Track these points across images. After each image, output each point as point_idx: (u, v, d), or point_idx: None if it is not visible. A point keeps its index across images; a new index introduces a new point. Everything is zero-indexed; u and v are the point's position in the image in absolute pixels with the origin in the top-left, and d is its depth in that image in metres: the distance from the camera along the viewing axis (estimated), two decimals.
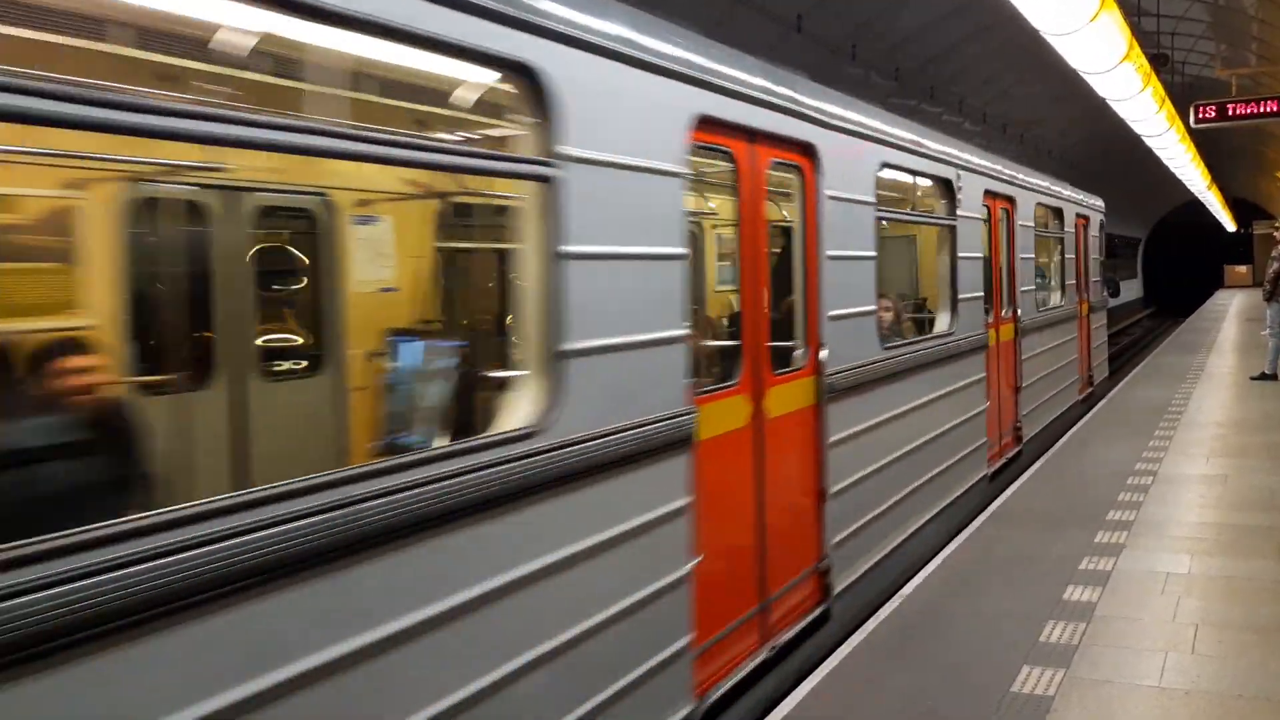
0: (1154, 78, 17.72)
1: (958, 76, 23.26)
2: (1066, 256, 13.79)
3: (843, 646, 5.83)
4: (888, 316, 7.78)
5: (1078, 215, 14.63)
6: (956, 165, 8.73)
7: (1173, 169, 34.69)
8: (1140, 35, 16.16)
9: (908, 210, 9.39)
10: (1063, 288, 13.57)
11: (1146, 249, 74.08)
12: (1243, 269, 60.91)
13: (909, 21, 19.13)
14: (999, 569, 7.13)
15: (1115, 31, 12.39)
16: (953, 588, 6.78)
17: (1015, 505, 8.97)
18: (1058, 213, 13.31)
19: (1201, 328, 29.59)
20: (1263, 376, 16.35)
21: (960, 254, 8.71)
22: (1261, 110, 20.75)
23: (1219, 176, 45.40)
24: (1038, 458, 10.97)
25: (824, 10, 16.53)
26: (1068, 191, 14.17)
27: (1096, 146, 37.69)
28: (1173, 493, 9.11)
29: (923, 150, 7.96)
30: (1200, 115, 21.34)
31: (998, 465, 9.94)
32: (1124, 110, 19.30)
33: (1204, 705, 4.92)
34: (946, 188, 8.64)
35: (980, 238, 9.41)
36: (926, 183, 8.75)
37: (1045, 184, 12.61)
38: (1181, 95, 23.38)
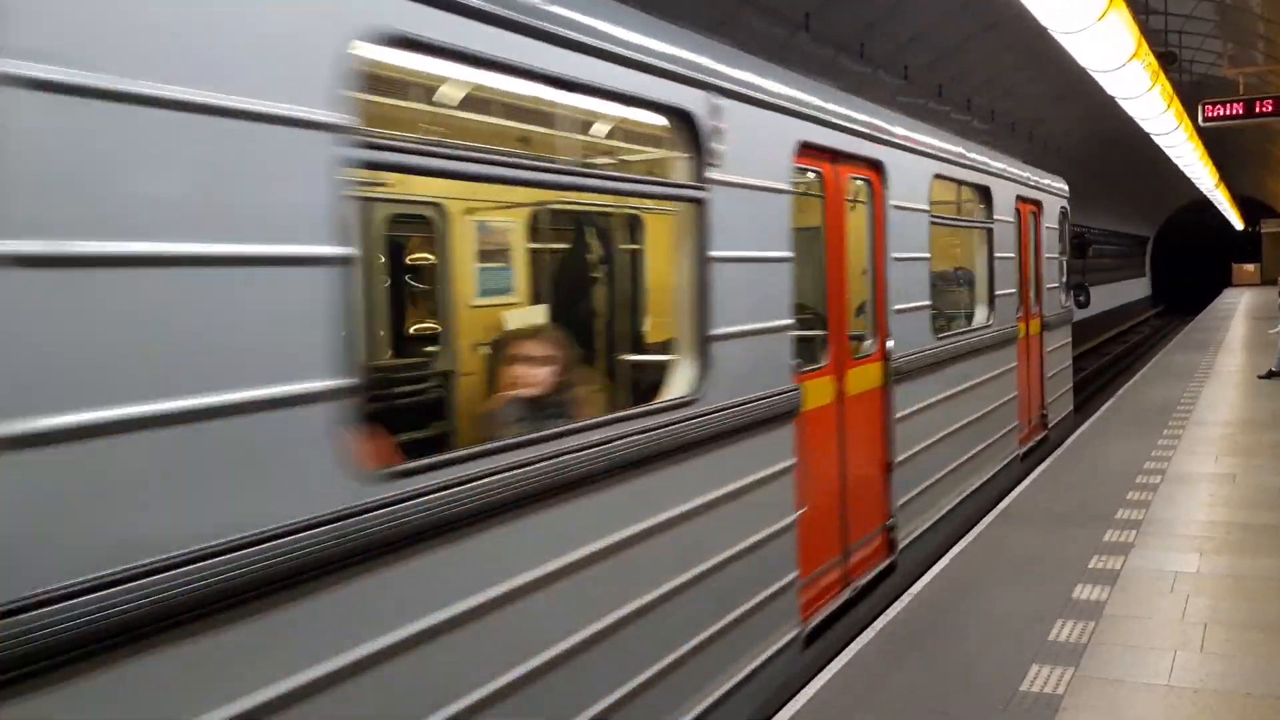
0: (1162, 76, 17.70)
1: (965, 74, 23.23)
2: (999, 256, 9.54)
3: (851, 645, 5.83)
4: (537, 376, 4.44)
5: (1020, 199, 10.55)
6: (708, 86, 4.61)
7: (1181, 167, 34.68)
8: (1148, 33, 16.14)
9: (530, 158, 5.06)
10: (990, 300, 9.34)
11: (1154, 248, 73.96)
12: (1251, 267, 60.85)
13: (917, 19, 19.11)
14: (1007, 568, 7.13)
15: (1123, 29, 12.39)
16: (961, 586, 6.78)
17: (1023, 504, 8.97)
18: (982, 193, 9.30)
19: (1210, 326, 29.54)
20: (1270, 375, 16.32)
21: (717, 252, 4.62)
22: (1270, 109, 20.70)
23: (1227, 175, 45.34)
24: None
25: (832, 8, 16.53)
26: (1000, 164, 9.94)
27: (1104, 145, 37.62)
28: (1181, 491, 9.10)
29: (544, 27, 3.63)
30: (1208, 114, 21.30)
31: (837, 603, 6.00)
32: (1132, 108, 19.29)
33: (1213, 703, 4.93)
34: (684, 129, 4.53)
35: (780, 225, 5.26)
36: (616, 111, 5.14)
37: (952, 148, 8.42)
38: (1189, 93, 23.34)
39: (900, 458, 6.97)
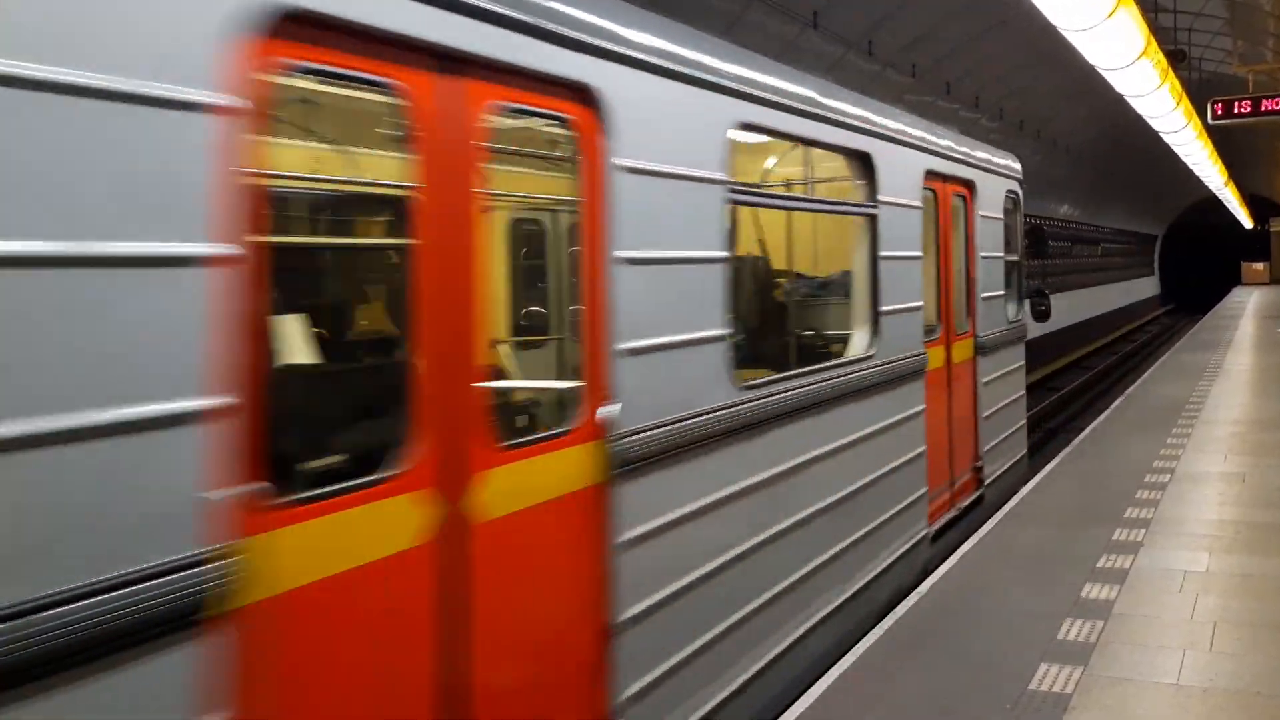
0: (1171, 73, 17.67)
1: (973, 72, 23.19)
2: (889, 255, 6.59)
3: (860, 643, 5.82)
4: None
5: (935, 175, 7.67)
6: None
7: (1190, 165, 34.61)
8: (1157, 31, 16.11)
9: None
10: (873, 320, 6.46)
11: (1163, 246, 73.80)
12: (1260, 266, 60.68)
13: (926, 17, 19.08)
14: (1016, 567, 7.11)
15: (1133, 27, 12.37)
16: (970, 585, 6.76)
17: (1032, 503, 8.95)
18: (860, 162, 6.43)
19: (1219, 325, 29.44)
20: None
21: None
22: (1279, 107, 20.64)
23: (1236, 173, 45.24)
24: None
25: (839, 6, 16.50)
26: (892, 122, 6.88)
27: (1113, 143, 37.55)
28: (1191, 490, 9.06)
29: None
30: (1217, 111, 21.24)
31: None
32: (1141, 106, 19.26)
33: (1222, 703, 4.90)
34: None
35: (177, 191, 2.44)
36: None
37: (782, 85, 5.39)
38: (1199, 91, 23.31)
39: (632, 612, 4.05)
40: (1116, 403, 14.86)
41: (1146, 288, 64.06)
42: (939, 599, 6.52)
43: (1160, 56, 15.79)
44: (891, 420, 6.69)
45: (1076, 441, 11.80)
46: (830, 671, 5.45)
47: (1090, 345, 34.07)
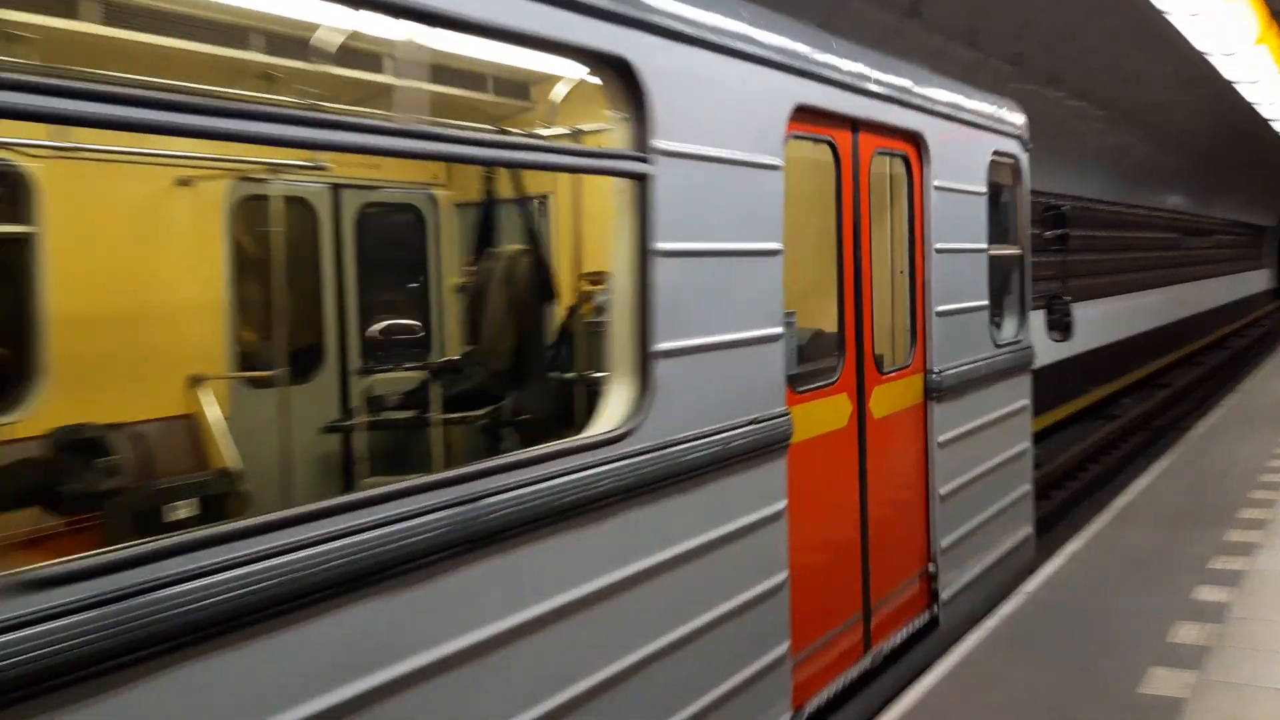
0: None
1: (1080, 59, 22.66)
2: (682, 252, 3.76)
3: (963, 642, 5.75)
4: None
5: (825, 117, 4.77)
6: None
7: None
8: (1276, 15, 15.56)
9: None
10: (639, 369, 3.60)
11: (1275, 237, 71.39)
12: None
13: (1030, 3, 18.69)
14: (1125, 567, 6.96)
15: (1249, 11, 12.01)
16: (1077, 586, 6.65)
17: (1142, 503, 8.73)
18: (614, 77, 3.51)
19: None
20: None
21: None
22: None
23: None
24: None
25: None
26: (705, 13, 3.88)
27: (1225, 132, 36.40)
28: None
29: None
30: None
31: None
32: (1252, 94, 18.68)
33: None
34: None
35: None
36: None
37: None
38: None
39: None
40: (1229, 399, 14.42)
41: (1258, 280, 62.04)
42: (1046, 599, 6.42)
43: (1277, 41, 15.29)
44: (690, 545, 3.79)
45: (1188, 439, 11.48)
46: (934, 669, 5.40)
47: (1201, 340, 33.10)
